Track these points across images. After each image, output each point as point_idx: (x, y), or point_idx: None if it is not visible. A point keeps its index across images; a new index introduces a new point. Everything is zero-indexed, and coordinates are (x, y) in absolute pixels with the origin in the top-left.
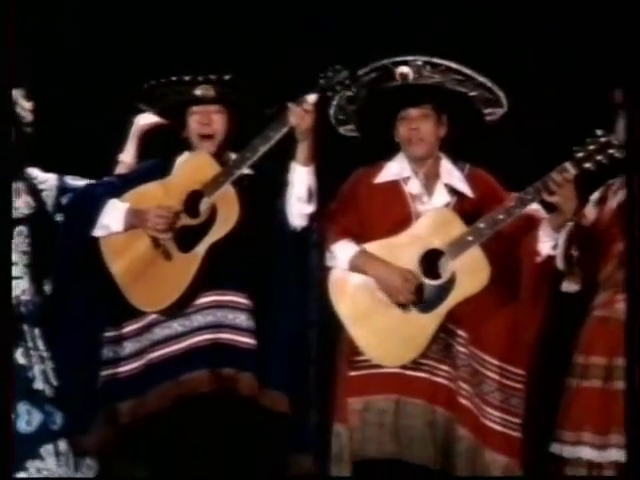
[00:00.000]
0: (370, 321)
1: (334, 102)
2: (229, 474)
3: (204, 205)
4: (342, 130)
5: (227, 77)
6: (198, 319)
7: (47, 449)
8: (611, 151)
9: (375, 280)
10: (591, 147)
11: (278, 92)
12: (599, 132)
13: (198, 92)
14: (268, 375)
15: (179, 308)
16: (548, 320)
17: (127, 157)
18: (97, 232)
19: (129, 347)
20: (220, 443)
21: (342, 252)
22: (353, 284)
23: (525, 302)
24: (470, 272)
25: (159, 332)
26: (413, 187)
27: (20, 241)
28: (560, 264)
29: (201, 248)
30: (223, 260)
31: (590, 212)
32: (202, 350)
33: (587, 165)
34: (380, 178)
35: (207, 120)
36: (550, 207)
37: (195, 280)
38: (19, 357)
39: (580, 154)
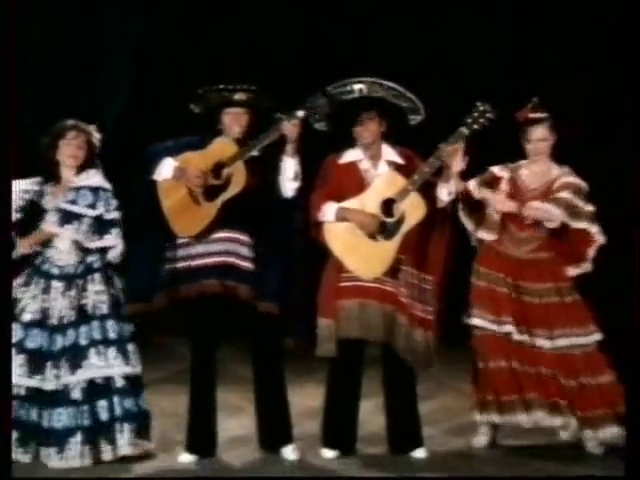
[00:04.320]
0: (354, 250)
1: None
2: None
3: (224, 172)
4: (317, 126)
5: (254, 87)
6: (214, 246)
7: None
8: (488, 115)
9: (353, 223)
10: (475, 114)
11: (281, 103)
12: (478, 103)
13: (237, 96)
14: (262, 290)
15: (202, 237)
16: (455, 243)
17: None
18: (155, 176)
19: (175, 254)
20: (229, 324)
21: (329, 210)
22: (339, 229)
23: (437, 233)
24: (413, 209)
25: (191, 249)
26: (364, 165)
27: None
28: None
29: (219, 200)
30: (233, 210)
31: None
32: (215, 266)
33: (474, 127)
34: (343, 160)
35: (237, 117)
36: None
37: (214, 220)
38: None
39: (469, 119)
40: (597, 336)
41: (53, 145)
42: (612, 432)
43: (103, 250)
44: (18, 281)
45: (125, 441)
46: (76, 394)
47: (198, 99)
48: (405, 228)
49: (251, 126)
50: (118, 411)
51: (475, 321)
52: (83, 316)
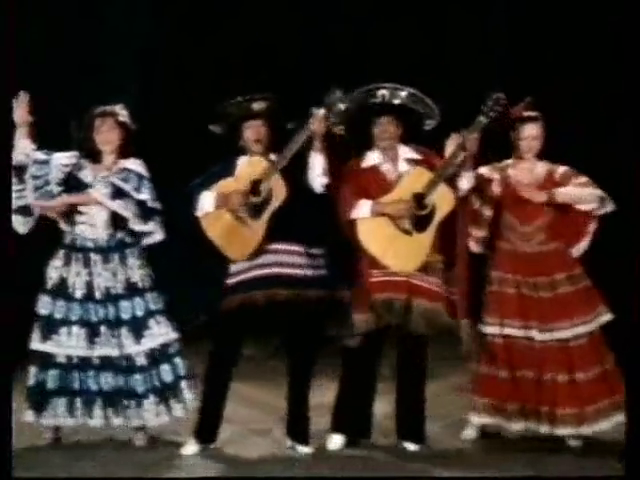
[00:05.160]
0: (390, 246)
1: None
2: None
3: (263, 188)
4: (336, 130)
5: (272, 96)
6: (260, 259)
7: None
8: (502, 102)
9: (391, 212)
10: (490, 102)
11: (297, 112)
12: (492, 92)
13: (256, 106)
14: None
15: (256, 255)
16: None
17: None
18: (198, 213)
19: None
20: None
21: (364, 207)
22: (373, 226)
23: (459, 221)
24: (442, 200)
25: (240, 265)
26: (385, 167)
27: None
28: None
29: (265, 216)
30: (280, 221)
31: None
32: (262, 278)
33: (491, 114)
34: (364, 164)
35: (257, 130)
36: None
37: (264, 236)
38: None
39: (485, 108)
40: (607, 316)
41: (88, 138)
42: (614, 422)
43: (134, 232)
44: (56, 263)
45: (191, 397)
46: (141, 361)
47: (217, 116)
48: (437, 219)
49: (269, 137)
50: (180, 372)
51: (488, 329)
52: (133, 289)
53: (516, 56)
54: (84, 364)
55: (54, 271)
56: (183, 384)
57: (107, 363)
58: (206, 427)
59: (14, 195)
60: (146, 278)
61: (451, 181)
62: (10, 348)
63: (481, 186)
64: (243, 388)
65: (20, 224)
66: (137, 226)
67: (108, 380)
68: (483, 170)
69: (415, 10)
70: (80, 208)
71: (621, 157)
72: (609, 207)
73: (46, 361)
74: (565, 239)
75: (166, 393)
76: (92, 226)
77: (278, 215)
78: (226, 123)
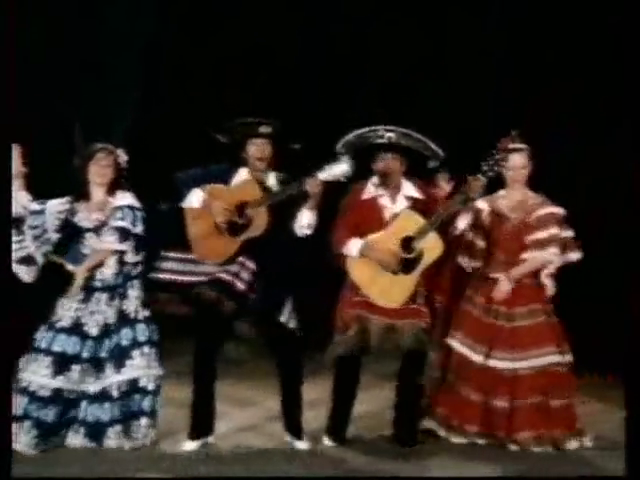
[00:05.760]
0: (375, 282)
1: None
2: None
3: (248, 213)
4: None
5: (277, 121)
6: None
7: None
8: (502, 164)
9: (376, 260)
10: (491, 162)
11: (301, 135)
12: (494, 152)
13: (262, 129)
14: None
15: (223, 264)
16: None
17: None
18: (184, 204)
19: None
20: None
21: (354, 246)
22: (361, 261)
23: (449, 257)
24: (431, 247)
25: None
26: (384, 200)
27: None
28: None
29: (241, 238)
30: (251, 246)
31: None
32: (216, 280)
33: (489, 174)
34: (364, 196)
35: (262, 149)
36: None
37: (235, 253)
38: None
39: (485, 167)
40: (570, 357)
41: (84, 167)
42: (575, 445)
43: (137, 262)
44: (70, 303)
45: (146, 432)
46: (114, 392)
47: (224, 131)
48: (423, 265)
49: (273, 156)
50: (146, 407)
51: (454, 343)
52: (125, 320)
53: (515, 57)
54: (51, 395)
55: (68, 311)
56: (146, 421)
57: (68, 395)
58: (200, 422)
59: (15, 247)
60: (141, 308)
61: (449, 221)
62: (10, 348)
63: (474, 218)
64: (233, 390)
65: (24, 273)
66: (134, 259)
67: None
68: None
69: (415, 11)
70: (85, 252)
71: (620, 158)
72: (571, 258)
73: (48, 396)
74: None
75: (129, 424)
76: (106, 267)
77: (253, 243)
78: (231, 137)
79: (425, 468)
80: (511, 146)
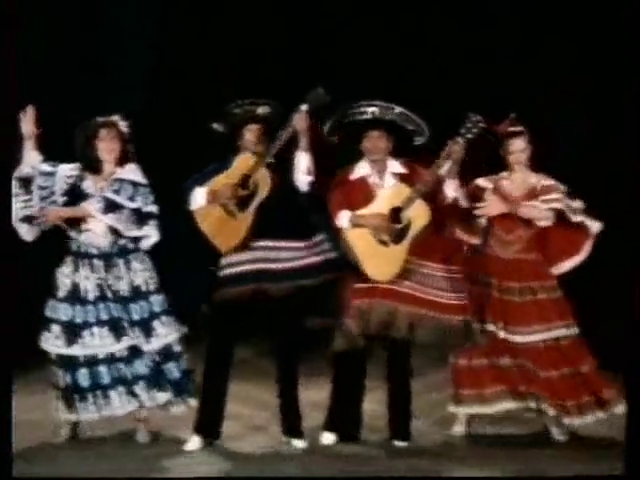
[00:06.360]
0: (368, 256)
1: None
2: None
3: (251, 182)
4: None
5: (274, 102)
6: (249, 254)
7: None
8: (480, 125)
9: (367, 226)
10: (468, 124)
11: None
12: (471, 114)
13: (260, 110)
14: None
15: (243, 245)
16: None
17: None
18: (192, 207)
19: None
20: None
21: (344, 217)
22: (354, 236)
23: (449, 227)
24: (418, 215)
25: (230, 258)
26: (372, 179)
27: None
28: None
29: (251, 207)
30: (266, 213)
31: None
32: (249, 273)
33: (468, 136)
34: (353, 176)
35: (258, 133)
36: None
37: (251, 226)
38: None
39: (463, 130)
40: (576, 329)
41: (91, 145)
42: (596, 417)
43: (136, 237)
44: (65, 269)
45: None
46: (146, 356)
47: (222, 117)
48: (412, 233)
49: (268, 140)
50: (177, 372)
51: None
52: (137, 292)
53: (518, 47)
54: (112, 359)
55: (65, 278)
56: (186, 379)
57: (134, 352)
58: (206, 422)
59: (20, 205)
60: (150, 281)
61: (437, 190)
62: (10, 348)
63: (477, 195)
64: (238, 388)
65: (26, 232)
66: (131, 233)
67: (136, 368)
68: (479, 181)
69: (400, 10)
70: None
71: (624, 157)
72: (596, 226)
73: (73, 362)
74: (549, 253)
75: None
76: (95, 234)
77: (264, 208)
78: (229, 123)
79: (423, 468)
80: (510, 129)
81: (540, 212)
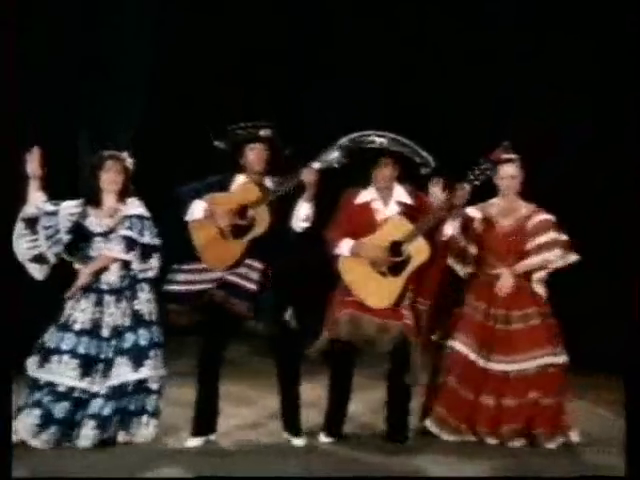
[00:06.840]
0: (364, 283)
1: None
2: None
3: (249, 214)
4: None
5: (274, 125)
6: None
7: None
8: (488, 172)
9: (366, 258)
10: (477, 172)
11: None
12: (481, 161)
13: (262, 133)
14: (257, 307)
15: (231, 268)
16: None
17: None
18: (187, 217)
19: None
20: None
21: (345, 245)
22: (352, 263)
23: (435, 262)
24: (418, 251)
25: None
26: (376, 205)
27: None
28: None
29: (246, 239)
30: (257, 245)
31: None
32: (224, 283)
33: (475, 182)
34: (358, 200)
35: (260, 153)
36: None
37: (242, 255)
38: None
39: (471, 176)
40: (565, 357)
41: (94, 175)
42: (557, 443)
43: (145, 268)
44: (73, 303)
45: (151, 431)
46: (130, 389)
47: (224, 136)
48: (411, 268)
49: (270, 161)
50: (150, 407)
51: (457, 346)
52: (140, 321)
53: (516, 63)
54: (67, 393)
55: (69, 309)
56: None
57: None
58: (203, 419)
59: (28, 245)
60: (154, 312)
61: (437, 226)
62: (10, 348)
63: (466, 225)
64: (234, 389)
65: (36, 271)
66: (140, 267)
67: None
68: (468, 210)
69: (400, 10)
70: (93, 254)
71: (622, 161)
72: (571, 259)
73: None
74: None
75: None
76: (109, 271)
77: (258, 240)
78: (231, 143)
79: (418, 465)
80: (503, 157)
81: (534, 266)
